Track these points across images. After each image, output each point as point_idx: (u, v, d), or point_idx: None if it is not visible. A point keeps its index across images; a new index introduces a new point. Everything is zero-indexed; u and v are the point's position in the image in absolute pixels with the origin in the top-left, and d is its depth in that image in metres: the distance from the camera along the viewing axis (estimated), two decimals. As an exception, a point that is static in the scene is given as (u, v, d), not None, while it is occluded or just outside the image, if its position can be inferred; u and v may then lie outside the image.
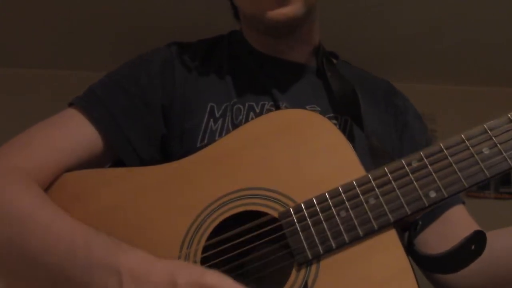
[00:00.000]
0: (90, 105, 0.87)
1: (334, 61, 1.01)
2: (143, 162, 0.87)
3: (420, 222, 0.72)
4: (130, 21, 2.90)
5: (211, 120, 0.87)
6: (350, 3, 2.77)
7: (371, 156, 0.82)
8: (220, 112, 0.88)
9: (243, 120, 0.87)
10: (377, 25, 2.98)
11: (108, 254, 0.67)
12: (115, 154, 0.88)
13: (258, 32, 0.95)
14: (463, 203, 0.93)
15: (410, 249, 0.72)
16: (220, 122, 0.87)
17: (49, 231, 0.71)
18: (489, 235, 0.84)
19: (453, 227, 0.87)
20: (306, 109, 0.88)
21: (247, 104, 0.89)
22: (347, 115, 0.91)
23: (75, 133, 0.85)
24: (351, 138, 0.87)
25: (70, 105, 0.89)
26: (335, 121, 0.90)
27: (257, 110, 0.89)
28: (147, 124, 0.88)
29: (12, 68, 3.28)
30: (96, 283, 0.66)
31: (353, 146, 0.81)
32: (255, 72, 0.95)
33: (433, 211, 0.90)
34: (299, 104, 0.88)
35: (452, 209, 0.91)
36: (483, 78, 3.50)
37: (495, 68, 3.40)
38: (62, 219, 0.73)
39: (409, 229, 0.73)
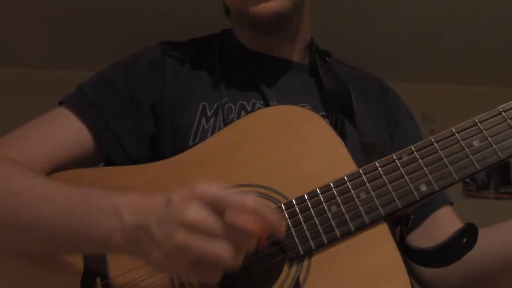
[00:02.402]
0: (79, 103, 0.88)
1: (327, 59, 1.01)
2: (132, 161, 0.87)
3: (412, 216, 0.72)
4: (130, 21, 2.91)
5: (203, 119, 0.87)
6: (350, 3, 2.77)
7: (364, 153, 0.82)
8: (212, 111, 0.88)
9: (235, 119, 0.87)
10: (378, 25, 2.99)
11: (104, 199, 0.68)
12: (106, 153, 0.88)
13: (247, 29, 0.95)
14: (451, 203, 0.93)
15: (402, 244, 0.71)
16: (212, 121, 0.87)
17: (44, 195, 0.72)
18: None
19: (441, 228, 0.87)
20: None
21: (238, 103, 0.89)
22: (339, 113, 0.91)
23: (65, 131, 0.86)
24: (343, 136, 0.86)
25: (60, 103, 0.90)
26: (326, 120, 0.89)
27: (248, 109, 0.89)
28: (136, 122, 0.89)
29: (12, 68, 3.29)
30: (96, 228, 0.66)
31: (345, 144, 0.81)
32: (246, 70, 0.95)
33: (421, 213, 0.90)
34: (289, 102, 0.87)
35: (440, 210, 0.91)
36: (483, 78, 3.51)
37: (495, 68, 3.40)
38: (56, 184, 0.74)
39: (401, 223, 0.73)
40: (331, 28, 2.94)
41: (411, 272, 0.89)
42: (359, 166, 0.73)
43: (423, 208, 0.89)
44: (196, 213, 0.59)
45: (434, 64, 3.42)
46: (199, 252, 0.59)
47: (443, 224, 0.88)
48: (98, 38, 3.05)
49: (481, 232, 0.70)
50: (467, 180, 3.46)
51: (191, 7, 2.73)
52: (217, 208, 0.60)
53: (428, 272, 0.87)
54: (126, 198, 0.66)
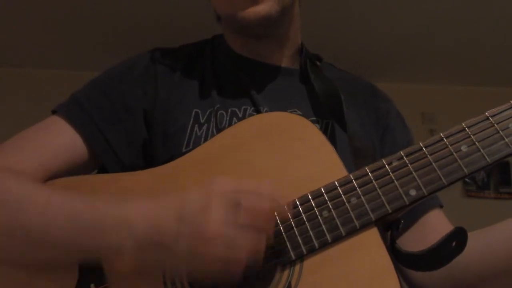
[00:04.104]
0: (72, 111, 0.89)
1: (318, 63, 1.01)
2: (126, 168, 0.88)
3: (402, 221, 0.72)
4: (130, 21, 2.93)
5: (196, 125, 0.88)
6: (351, 2, 2.78)
7: (354, 158, 0.82)
8: (204, 118, 0.89)
9: (227, 125, 0.88)
10: (377, 25, 2.99)
11: (112, 209, 0.68)
12: (99, 161, 0.89)
13: (237, 35, 0.96)
14: (441, 206, 0.94)
15: (393, 248, 0.72)
16: (205, 127, 0.88)
17: (47, 206, 0.72)
18: None
19: (431, 231, 0.88)
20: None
21: (230, 110, 0.90)
22: (329, 117, 0.91)
23: (58, 139, 0.87)
24: (333, 141, 0.87)
25: (54, 112, 0.91)
26: (316, 125, 0.90)
27: (240, 115, 0.90)
28: (129, 130, 0.89)
29: (12, 68, 3.31)
30: (106, 241, 0.66)
31: (336, 149, 0.82)
32: (237, 77, 0.95)
33: (411, 216, 0.91)
34: (280, 108, 0.88)
35: (430, 213, 0.92)
36: (483, 78, 3.51)
37: (495, 68, 3.41)
38: (58, 194, 0.74)
39: (391, 228, 0.73)
40: (331, 28, 2.95)
41: (402, 276, 0.90)
42: (349, 171, 0.74)
43: (413, 211, 0.90)
44: (217, 227, 0.60)
45: (434, 64, 3.43)
46: (224, 264, 0.61)
47: (433, 227, 0.89)
48: (98, 38, 3.07)
49: (469, 235, 0.71)
50: (467, 180, 3.47)
51: (191, 7, 2.73)
52: (235, 202, 0.62)
53: (418, 276, 0.88)
54: (136, 208, 0.66)
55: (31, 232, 0.71)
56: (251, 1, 0.85)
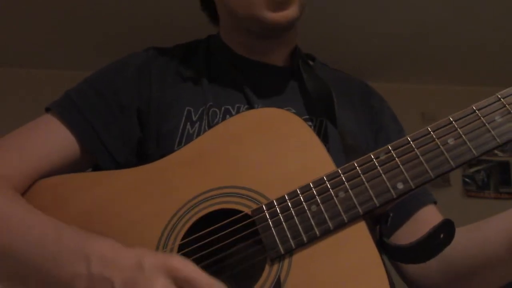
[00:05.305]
0: (66, 110, 0.89)
1: (311, 62, 1.02)
2: (120, 166, 0.88)
3: (391, 214, 0.73)
4: (130, 21, 2.93)
5: (188, 123, 0.88)
6: (350, 2, 2.78)
7: (346, 155, 0.83)
8: (197, 116, 0.89)
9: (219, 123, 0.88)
10: (377, 25, 2.99)
11: (77, 241, 0.69)
12: (93, 159, 0.89)
13: (240, 34, 0.96)
14: (435, 202, 0.94)
15: (381, 241, 0.72)
16: (197, 125, 0.88)
17: (20, 225, 0.73)
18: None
19: (424, 227, 0.87)
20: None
21: (223, 108, 0.90)
22: (322, 116, 0.92)
23: (52, 137, 0.87)
24: (326, 138, 0.88)
25: (47, 110, 0.91)
26: (310, 123, 0.91)
27: (233, 113, 0.90)
28: (122, 128, 0.90)
29: (12, 68, 3.31)
30: (65, 270, 0.67)
31: (329, 146, 0.82)
32: (232, 75, 0.96)
33: (404, 213, 0.91)
34: (273, 106, 0.88)
35: (423, 209, 0.92)
36: (483, 78, 3.50)
37: (495, 68, 3.40)
38: (33, 215, 0.75)
39: (379, 221, 0.73)
40: (331, 28, 2.95)
41: (397, 271, 0.90)
42: (340, 166, 0.74)
43: (407, 207, 0.91)
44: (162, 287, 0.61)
45: (434, 64, 3.42)
46: None
47: (427, 223, 0.88)
48: (98, 38, 3.07)
49: (462, 229, 0.71)
50: (467, 180, 3.47)
51: (190, 7, 2.73)
52: (185, 287, 0.62)
53: (411, 269, 0.88)
54: (99, 246, 0.68)
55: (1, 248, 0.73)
56: (280, 6, 0.86)
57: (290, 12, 0.87)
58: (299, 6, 0.88)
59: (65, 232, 0.71)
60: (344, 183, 0.71)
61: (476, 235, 0.81)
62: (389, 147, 0.71)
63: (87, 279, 0.65)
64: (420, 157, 0.69)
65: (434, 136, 0.69)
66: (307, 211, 0.71)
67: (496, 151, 3.13)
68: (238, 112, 0.90)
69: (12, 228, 0.73)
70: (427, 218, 0.91)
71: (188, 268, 0.63)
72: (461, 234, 0.78)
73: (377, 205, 0.69)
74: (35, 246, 0.71)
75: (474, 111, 0.69)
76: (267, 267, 0.70)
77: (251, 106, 0.91)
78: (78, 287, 0.66)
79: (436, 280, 0.86)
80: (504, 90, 0.70)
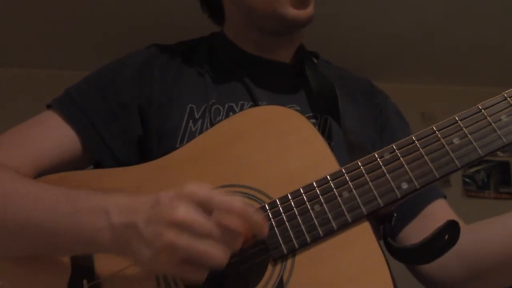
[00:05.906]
0: (67, 107, 0.89)
1: (315, 60, 1.01)
2: (121, 164, 0.87)
3: (395, 214, 0.72)
4: (130, 21, 2.93)
5: (191, 121, 0.88)
6: (351, 1, 2.78)
7: (349, 153, 0.82)
8: (199, 113, 0.89)
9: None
10: (378, 25, 2.99)
11: (91, 199, 0.69)
12: (94, 156, 0.88)
13: (251, 31, 0.96)
14: (444, 197, 0.93)
15: (385, 242, 0.72)
16: (199, 123, 0.88)
17: (31, 197, 0.73)
18: (471, 227, 0.84)
19: (434, 221, 0.86)
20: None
21: (226, 105, 0.90)
22: (326, 113, 0.91)
23: (52, 134, 0.87)
24: (330, 136, 0.87)
25: (48, 107, 0.90)
26: (314, 120, 0.90)
27: (237, 110, 0.89)
28: (123, 126, 0.89)
29: (12, 68, 3.31)
30: (86, 228, 0.67)
31: (333, 144, 0.81)
32: (235, 72, 0.95)
33: (414, 207, 0.90)
34: (277, 104, 0.87)
35: (433, 203, 0.91)
36: (483, 78, 3.50)
37: (495, 68, 3.40)
38: (42, 187, 0.75)
39: (384, 221, 0.73)
40: (331, 28, 2.94)
41: (410, 268, 0.89)
42: (344, 164, 0.73)
43: (416, 203, 0.90)
44: (185, 212, 0.61)
45: (434, 64, 3.42)
46: (187, 251, 0.60)
47: (437, 217, 0.88)
48: (98, 38, 3.07)
49: (486, 222, 0.69)
50: (467, 180, 3.46)
51: (191, 7, 2.73)
52: (205, 208, 0.62)
53: (428, 269, 0.87)
54: (114, 198, 0.68)
55: (11, 221, 0.73)
56: (302, 4, 0.89)
57: (311, 9, 0.90)
58: (313, 3, 0.91)
59: (77, 193, 0.71)
60: (348, 183, 0.70)
61: (500, 227, 0.79)
62: (394, 146, 0.70)
63: (110, 231, 0.65)
64: (425, 156, 0.68)
65: (439, 136, 0.69)
66: (311, 210, 0.70)
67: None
68: (241, 109, 0.90)
69: (24, 198, 0.73)
70: (437, 213, 0.90)
71: (204, 189, 0.64)
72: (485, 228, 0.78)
73: (381, 205, 0.68)
74: (51, 211, 0.71)
75: (480, 110, 0.68)
76: (270, 267, 0.70)
77: (255, 103, 0.90)
78: (102, 240, 0.66)
79: (456, 275, 0.84)
80: (511, 89, 0.69)
